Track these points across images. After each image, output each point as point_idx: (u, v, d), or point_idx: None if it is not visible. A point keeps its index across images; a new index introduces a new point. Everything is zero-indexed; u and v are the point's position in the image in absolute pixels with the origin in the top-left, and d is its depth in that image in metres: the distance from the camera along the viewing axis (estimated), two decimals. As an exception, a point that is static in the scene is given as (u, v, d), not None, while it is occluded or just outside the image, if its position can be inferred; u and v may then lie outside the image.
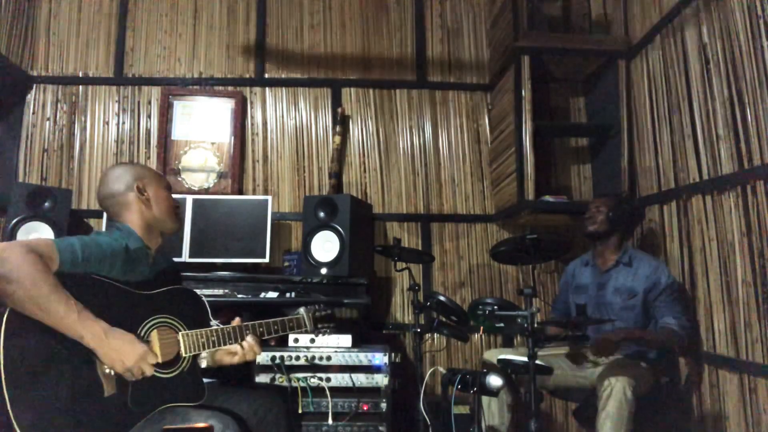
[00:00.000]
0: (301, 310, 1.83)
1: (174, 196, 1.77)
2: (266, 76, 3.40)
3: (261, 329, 1.69)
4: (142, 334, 1.47)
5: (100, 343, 1.32)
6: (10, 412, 1.19)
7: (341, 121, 3.29)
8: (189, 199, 2.93)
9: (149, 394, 1.44)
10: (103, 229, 2.86)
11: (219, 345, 1.60)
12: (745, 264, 2.14)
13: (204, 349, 1.57)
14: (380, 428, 2.31)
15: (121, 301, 1.46)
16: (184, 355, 1.53)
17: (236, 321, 1.69)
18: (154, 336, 1.49)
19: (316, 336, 1.86)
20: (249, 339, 1.65)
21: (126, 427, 1.38)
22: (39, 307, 1.26)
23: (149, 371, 1.41)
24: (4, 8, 3.10)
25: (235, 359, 1.67)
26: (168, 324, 1.54)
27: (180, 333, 1.54)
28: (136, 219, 1.63)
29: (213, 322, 1.69)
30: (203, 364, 1.71)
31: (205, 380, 1.62)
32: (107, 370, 1.37)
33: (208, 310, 1.68)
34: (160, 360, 1.46)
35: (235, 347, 1.65)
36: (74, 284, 1.35)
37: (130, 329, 1.42)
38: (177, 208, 1.74)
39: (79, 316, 1.30)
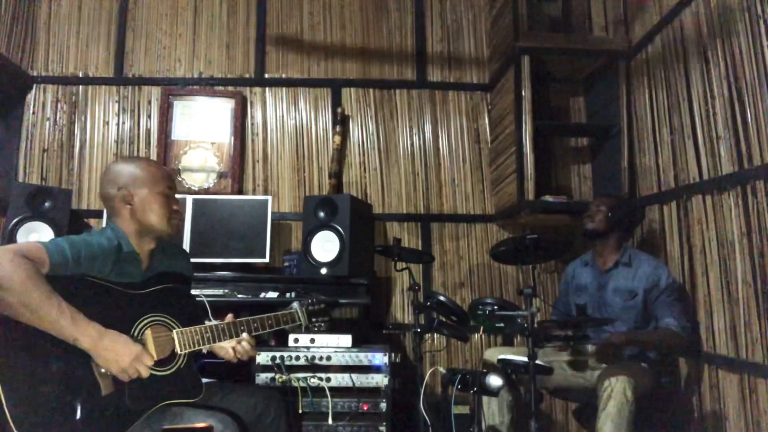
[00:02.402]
0: (295, 304, 1.83)
1: (176, 196, 1.69)
2: (266, 76, 3.40)
3: (255, 324, 1.70)
4: (136, 333, 1.47)
5: (95, 345, 1.32)
6: (8, 416, 1.19)
7: (341, 121, 3.29)
8: (189, 199, 2.93)
9: (146, 392, 1.45)
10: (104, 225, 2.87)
11: (213, 341, 1.62)
12: (745, 264, 2.13)
13: (199, 345, 1.58)
14: (380, 428, 2.31)
15: (113, 301, 1.46)
16: (179, 352, 1.54)
17: (229, 317, 1.70)
18: (148, 334, 1.49)
19: (312, 330, 1.86)
20: (244, 343, 1.67)
21: (125, 426, 1.39)
22: (31, 312, 1.25)
23: (145, 372, 1.41)
24: (4, 8, 3.10)
25: (227, 356, 1.68)
26: (162, 322, 1.54)
27: (174, 331, 1.55)
28: (125, 225, 1.60)
29: (210, 320, 1.70)
30: (204, 350, 1.71)
31: (204, 380, 1.63)
32: (103, 369, 1.37)
33: (203, 306, 1.69)
34: (155, 358, 1.46)
35: (228, 347, 1.66)
36: (66, 286, 1.35)
37: (124, 329, 1.42)
38: (175, 213, 1.64)
39: (72, 319, 1.29)
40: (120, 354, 1.35)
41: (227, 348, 1.68)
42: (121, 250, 1.55)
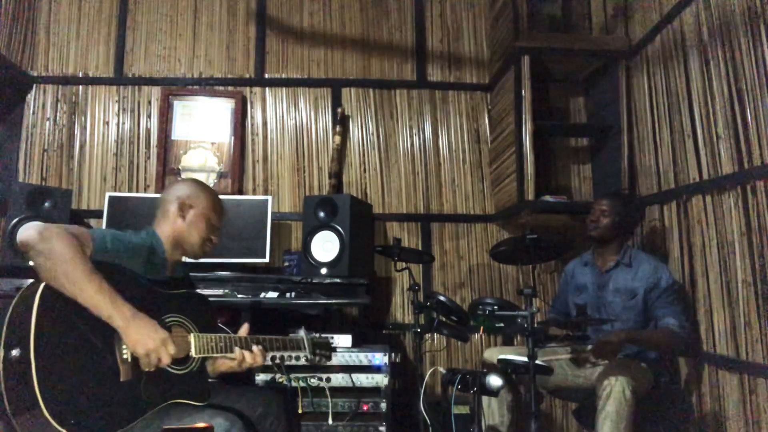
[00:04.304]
0: (301, 332, 1.89)
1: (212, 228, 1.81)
2: (266, 76, 3.40)
3: (265, 343, 1.75)
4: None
5: (127, 324, 1.38)
6: (35, 379, 1.24)
7: (341, 121, 3.29)
8: (189, 199, 2.93)
9: (160, 386, 1.48)
10: (103, 227, 2.87)
11: (226, 351, 1.65)
12: (745, 264, 2.13)
13: (213, 352, 1.61)
14: (380, 428, 2.31)
15: (143, 293, 1.52)
16: (193, 356, 1.57)
17: (244, 329, 1.75)
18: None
19: (314, 362, 1.93)
20: (255, 348, 1.71)
21: (136, 415, 1.41)
22: (73, 284, 1.33)
23: (166, 359, 1.44)
24: (4, 8, 3.10)
25: (234, 364, 1.70)
26: (181, 324, 1.59)
27: (192, 334, 1.59)
28: (167, 229, 1.73)
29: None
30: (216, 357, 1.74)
31: (206, 380, 1.64)
32: (125, 356, 1.41)
33: (217, 317, 1.73)
34: (174, 352, 1.48)
35: (236, 353, 1.68)
36: (104, 269, 1.42)
37: None
38: (210, 242, 1.79)
39: (110, 297, 1.37)
40: (148, 336, 1.40)
41: (235, 353, 1.70)
42: (154, 252, 1.66)
